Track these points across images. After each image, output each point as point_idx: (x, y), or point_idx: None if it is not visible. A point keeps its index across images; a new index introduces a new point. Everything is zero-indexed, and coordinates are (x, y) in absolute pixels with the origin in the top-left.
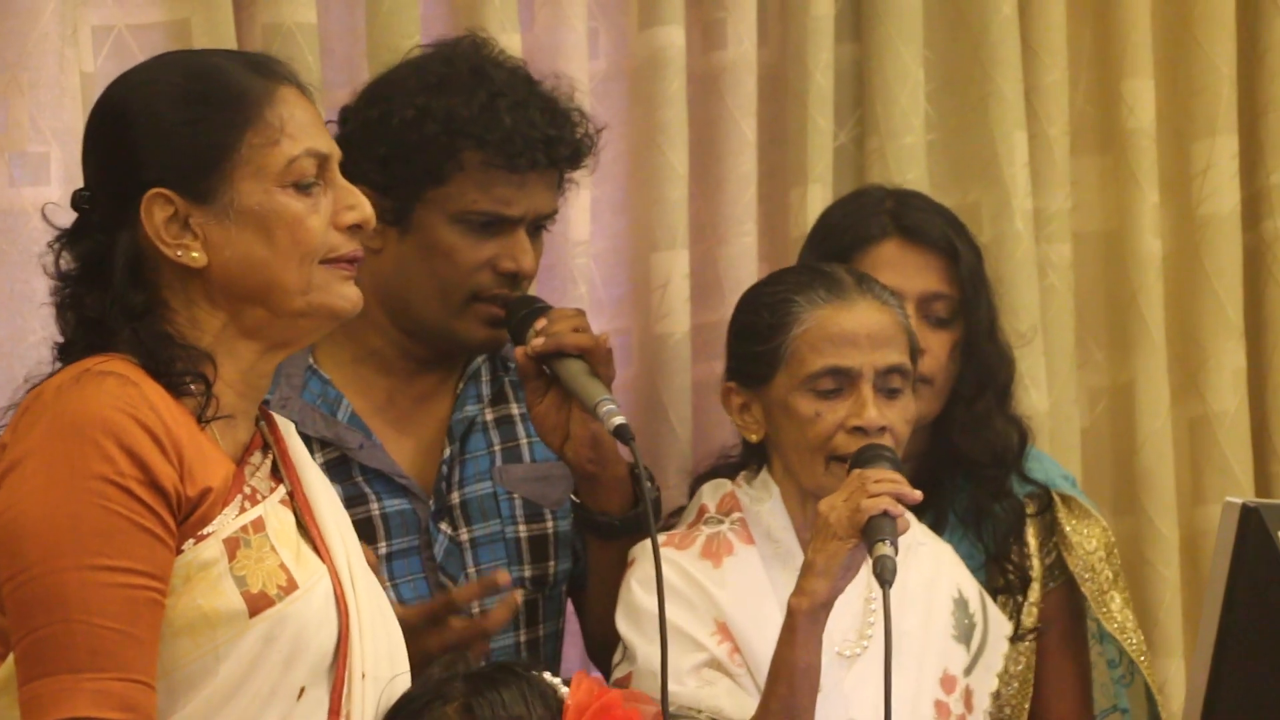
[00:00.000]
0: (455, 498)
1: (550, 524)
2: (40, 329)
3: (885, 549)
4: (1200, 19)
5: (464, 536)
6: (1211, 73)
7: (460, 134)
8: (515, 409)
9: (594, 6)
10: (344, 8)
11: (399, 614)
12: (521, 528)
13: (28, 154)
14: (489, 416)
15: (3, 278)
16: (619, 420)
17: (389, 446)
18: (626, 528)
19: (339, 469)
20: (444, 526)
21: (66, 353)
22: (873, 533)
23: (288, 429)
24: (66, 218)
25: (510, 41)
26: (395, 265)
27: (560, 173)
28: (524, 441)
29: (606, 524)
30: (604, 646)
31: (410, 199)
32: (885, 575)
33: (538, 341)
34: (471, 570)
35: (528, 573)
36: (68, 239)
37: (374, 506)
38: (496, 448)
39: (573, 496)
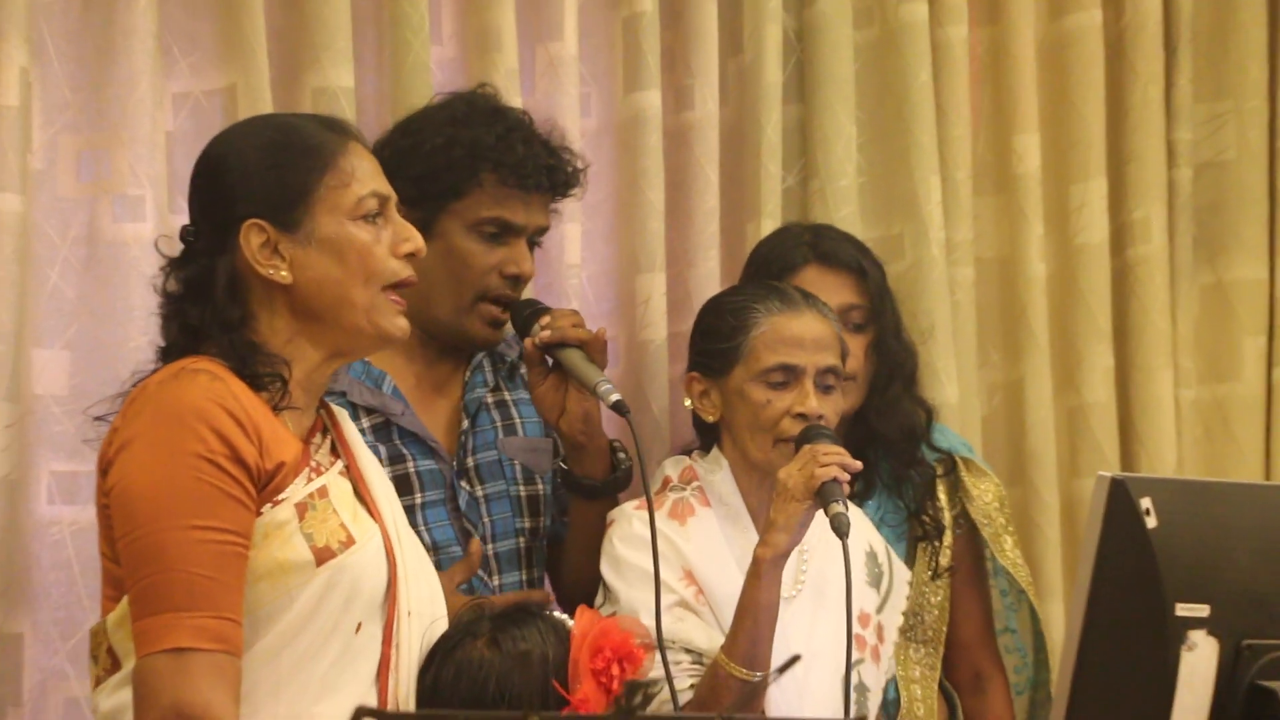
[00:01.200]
0: (470, 461)
1: (541, 487)
2: (139, 335)
3: (839, 508)
4: (1076, 85)
5: (479, 492)
6: (1085, 129)
7: (481, 158)
8: (508, 395)
9: (585, 75)
10: (374, 76)
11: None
12: (521, 488)
13: (127, 196)
14: (490, 400)
15: (109, 295)
16: (616, 396)
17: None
18: (606, 489)
19: (382, 432)
20: (464, 484)
21: (166, 354)
22: (826, 495)
23: (342, 416)
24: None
25: (514, 104)
26: (420, 269)
27: (554, 197)
28: (518, 421)
29: (590, 486)
30: (576, 592)
31: (436, 211)
32: (842, 529)
33: (545, 334)
34: (486, 520)
35: (526, 524)
36: (175, 265)
37: (410, 465)
38: (498, 424)
39: (561, 464)
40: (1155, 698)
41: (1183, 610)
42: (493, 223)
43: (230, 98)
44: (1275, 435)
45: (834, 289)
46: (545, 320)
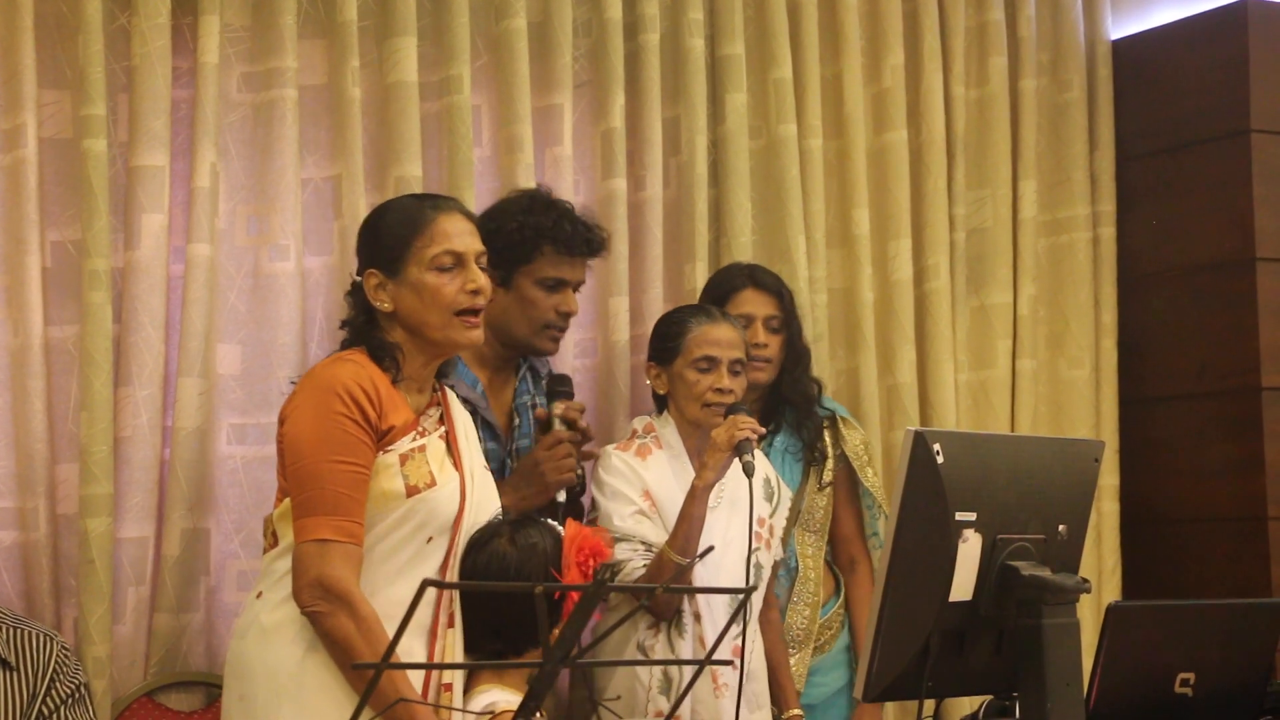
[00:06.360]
0: (514, 446)
1: None
2: (284, 336)
3: (749, 457)
4: (891, 178)
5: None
6: (897, 206)
7: (543, 236)
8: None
9: (576, 168)
10: (435, 168)
11: None
12: None
13: (277, 245)
14: (530, 404)
15: (265, 310)
16: (577, 479)
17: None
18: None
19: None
20: (510, 461)
21: (345, 345)
22: (741, 449)
23: (452, 397)
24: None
25: (530, 186)
26: (500, 309)
27: (590, 258)
28: None
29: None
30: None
31: (512, 270)
32: (749, 471)
33: (557, 412)
34: None
35: None
36: (349, 294)
37: (483, 444)
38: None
39: None
40: (942, 573)
41: (959, 516)
42: (551, 279)
43: (339, 183)
44: (1017, 404)
45: (762, 304)
46: (559, 405)
